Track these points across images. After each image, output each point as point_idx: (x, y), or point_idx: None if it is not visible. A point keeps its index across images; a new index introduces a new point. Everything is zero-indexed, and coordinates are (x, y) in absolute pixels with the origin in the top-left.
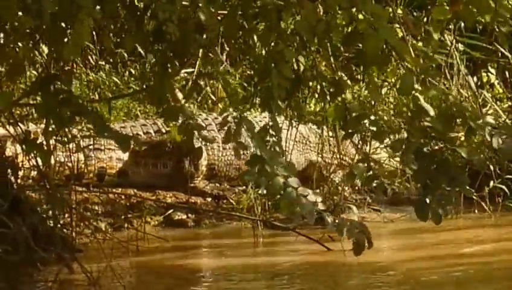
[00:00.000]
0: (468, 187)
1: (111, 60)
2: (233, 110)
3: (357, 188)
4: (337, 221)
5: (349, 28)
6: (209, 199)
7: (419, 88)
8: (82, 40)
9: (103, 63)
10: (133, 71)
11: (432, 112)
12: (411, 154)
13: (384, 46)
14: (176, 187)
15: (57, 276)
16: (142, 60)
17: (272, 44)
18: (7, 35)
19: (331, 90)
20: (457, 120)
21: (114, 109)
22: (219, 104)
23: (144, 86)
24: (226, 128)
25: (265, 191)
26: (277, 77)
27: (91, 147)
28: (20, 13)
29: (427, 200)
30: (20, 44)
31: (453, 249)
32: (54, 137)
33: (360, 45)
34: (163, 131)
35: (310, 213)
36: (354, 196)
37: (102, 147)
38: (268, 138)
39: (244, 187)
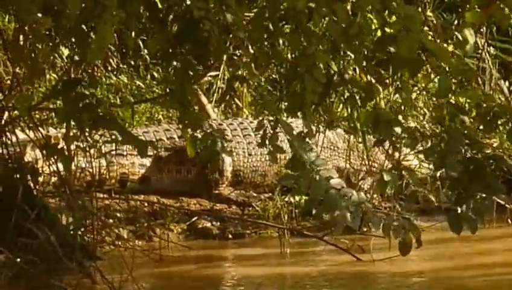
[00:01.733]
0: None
1: (133, 63)
2: (267, 114)
3: (386, 195)
4: (383, 219)
5: (381, 31)
6: (234, 207)
7: (456, 91)
8: (105, 42)
9: (124, 66)
10: (155, 74)
11: (465, 119)
12: (452, 160)
13: (418, 50)
14: (200, 194)
15: (77, 286)
16: (165, 62)
17: (301, 47)
18: (26, 36)
19: (362, 95)
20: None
21: (136, 113)
22: (244, 109)
23: (167, 90)
24: (260, 132)
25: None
26: (310, 81)
27: (113, 152)
28: (39, 14)
29: (460, 211)
30: (39, 46)
31: (485, 258)
32: (75, 142)
33: (392, 49)
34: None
35: (356, 215)
36: (383, 204)
37: (125, 153)
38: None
39: (270, 194)
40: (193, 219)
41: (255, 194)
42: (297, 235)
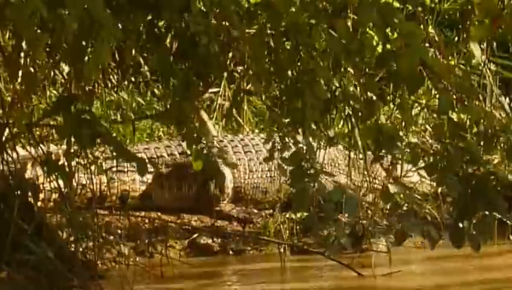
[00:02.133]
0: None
1: (133, 80)
2: (274, 129)
3: (385, 212)
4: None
5: (382, 47)
6: (235, 223)
7: (457, 108)
8: (102, 59)
9: (125, 82)
10: (156, 91)
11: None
12: (452, 177)
13: (419, 67)
14: (201, 210)
15: None
16: (164, 79)
17: (300, 63)
18: (24, 52)
19: (363, 111)
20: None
21: (137, 130)
22: (245, 126)
23: (166, 107)
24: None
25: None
26: (310, 97)
27: (114, 169)
28: (38, 30)
29: (461, 226)
30: (37, 62)
31: (486, 275)
32: (76, 159)
33: (394, 65)
34: (188, 152)
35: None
36: (384, 221)
37: (126, 169)
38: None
39: (271, 211)
40: (194, 236)
41: (256, 211)
42: (298, 251)
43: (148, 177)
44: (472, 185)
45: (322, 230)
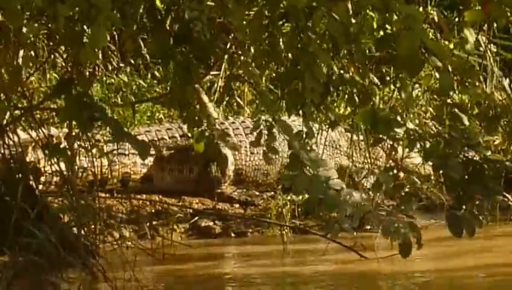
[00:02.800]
0: (503, 196)
1: (133, 62)
2: (265, 113)
3: (388, 194)
4: (383, 221)
5: (382, 30)
6: (237, 205)
7: (458, 89)
8: (99, 43)
9: (124, 65)
10: (156, 73)
11: (465, 119)
12: (454, 161)
13: (419, 50)
14: (202, 193)
15: (80, 285)
16: (164, 63)
17: (300, 46)
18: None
19: (360, 96)
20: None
21: (137, 113)
22: (245, 108)
23: (167, 90)
24: (256, 131)
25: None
26: (310, 80)
27: (115, 152)
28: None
29: (459, 213)
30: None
31: (489, 258)
32: (77, 142)
33: (394, 47)
34: (190, 135)
35: (356, 214)
36: (386, 202)
37: (127, 152)
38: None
39: (272, 193)
40: (195, 218)
41: (257, 193)
42: (299, 233)
43: (150, 160)
44: (469, 170)
45: (324, 213)
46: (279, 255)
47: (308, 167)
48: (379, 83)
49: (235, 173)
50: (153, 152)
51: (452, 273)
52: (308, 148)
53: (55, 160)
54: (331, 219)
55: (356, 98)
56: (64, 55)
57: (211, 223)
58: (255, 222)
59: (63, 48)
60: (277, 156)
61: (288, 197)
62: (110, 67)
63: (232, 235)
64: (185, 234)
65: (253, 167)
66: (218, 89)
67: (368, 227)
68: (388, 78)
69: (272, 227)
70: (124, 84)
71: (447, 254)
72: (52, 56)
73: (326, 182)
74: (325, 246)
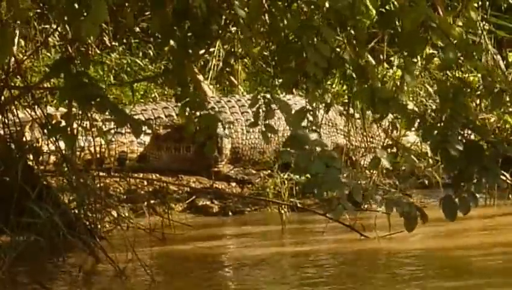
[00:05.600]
0: (501, 177)
1: (125, 41)
2: (261, 90)
3: (384, 171)
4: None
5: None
6: (234, 184)
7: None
8: (100, 18)
9: (116, 44)
10: (150, 52)
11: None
12: (454, 138)
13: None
14: (199, 172)
15: (81, 267)
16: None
17: (303, 21)
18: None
19: (358, 75)
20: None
21: (129, 91)
22: (239, 86)
23: (161, 69)
24: (254, 109)
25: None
26: (314, 55)
27: (112, 131)
28: None
29: (455, 193)
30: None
31: (488, 237)
32: (76, 121)
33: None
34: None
35: (357, 192)
36: (383, 180)
37: (123, 131)
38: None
39: (269, 171)
40: (193, 197)
41: (254, 171)
42: (298, 211)
43: (146, 139)
44: (468, 150)
45: (324, 193)
46: (278, 234)
47: (307, 146)
48: (374, 63)
49: (232, 152)
50: (149, 131)
51: (449, 252)
52: (309, 125)
53: (55, 139)
54: (333, 199)
55: (354, 77)
56: (62, 33)
57: (209, 202)
58: (253, 200)
59: (56, 27)
60: (273, 135)
61: (285, 176)
62: (101, 47)
63: (230, 214)
64: (182, 213)
65: (249, 146)
66: (212, 67)
67: (365, 206)
68: (384, 57)
69: (269, 206)
70: (115, 63)
71: (445, 233)
72: (44, 35)
73: (327, 160)
74: (323, 225)
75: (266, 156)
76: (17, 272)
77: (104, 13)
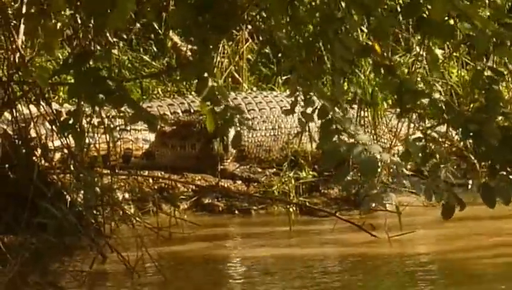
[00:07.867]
0: None
1: (125, 37)
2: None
3: (391, 170)
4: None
5: None
6: (239, 182)
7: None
8: (128, 7)
9: (117, 40)
10: (152, 49)
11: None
12: (492, 126)
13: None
14: (204, 170)
15: (91, 265)
16: (158, 37)
17: (328, 13)
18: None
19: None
20: None
21: (135, 88)
22: (243, 84)
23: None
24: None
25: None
26: (340, 48)
27: (118, 128)
28: None
29: (492, 185)
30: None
31: (500, 238)
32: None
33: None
34: (191, 111)
35: (398, 176)
36: (390, 179)
37: (129, 128)
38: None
39: (275, 169)
40: (199, 195)
41: (259, 170)
42: (305, 211)
43: (151, 136)
44: (504, 139)
45: (354, 187)
46: (285, 234)
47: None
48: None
49: (238, 150)
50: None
51: (461, 254)
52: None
53: (63, 136)
54: (361, 192)
55: (382, 70)
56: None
57: (215, 200)
58: (259, 199)
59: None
60: (280, 133)
61: (291, 175)
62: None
63: (236, 212)
64: (188, 211)
65: (255, 144)
66: (216, 64)
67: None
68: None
69: (276, 204)
70: (115, 60)
71: (456, 235)
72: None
73: (366, 148)
74: (331, 227)
75: (272, 154)
76: (27, 272)
77: (132, 3)
